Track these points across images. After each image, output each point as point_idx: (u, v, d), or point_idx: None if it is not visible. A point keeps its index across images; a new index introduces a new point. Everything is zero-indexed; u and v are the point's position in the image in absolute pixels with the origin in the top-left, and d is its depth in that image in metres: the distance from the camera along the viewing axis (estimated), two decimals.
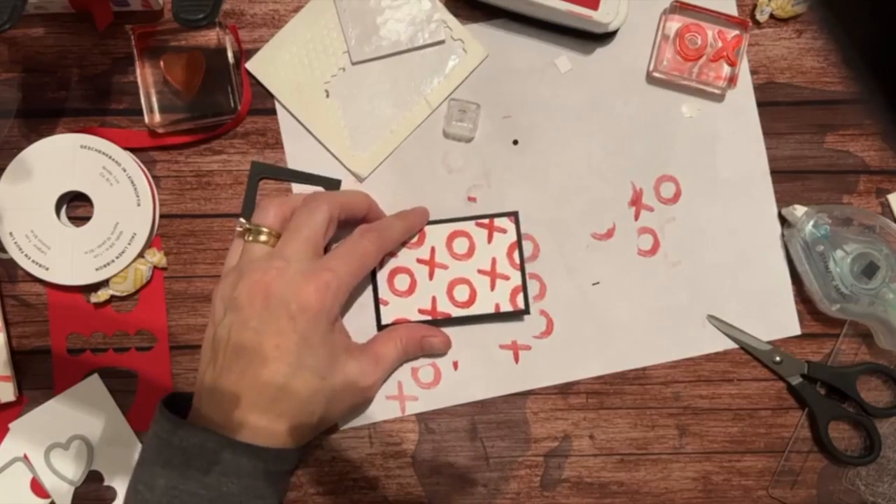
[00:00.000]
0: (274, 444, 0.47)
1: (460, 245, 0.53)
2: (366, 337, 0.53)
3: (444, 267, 0.53)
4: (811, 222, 0.51)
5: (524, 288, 0.53)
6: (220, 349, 0.46)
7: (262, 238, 0.48)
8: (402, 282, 0.53)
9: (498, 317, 0.53)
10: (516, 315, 0.54)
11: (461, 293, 0.53)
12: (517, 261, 0.53)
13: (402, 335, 0.52)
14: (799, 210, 0.52)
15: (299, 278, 0.45)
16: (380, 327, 0.53)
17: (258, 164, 0.54)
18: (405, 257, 0.53)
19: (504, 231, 0.53)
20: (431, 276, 0.53)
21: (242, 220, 0.49)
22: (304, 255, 0.47)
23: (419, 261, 0.53)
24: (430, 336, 0.53)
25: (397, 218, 0.52)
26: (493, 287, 0.53)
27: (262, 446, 0.46)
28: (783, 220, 0.54)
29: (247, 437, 0.46)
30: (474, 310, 0.53)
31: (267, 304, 0.45)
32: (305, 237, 0.47)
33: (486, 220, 0.53)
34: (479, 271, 0.53)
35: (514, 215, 0.53)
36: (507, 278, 0.53)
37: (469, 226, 0.54)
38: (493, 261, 0.53)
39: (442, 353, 0.53)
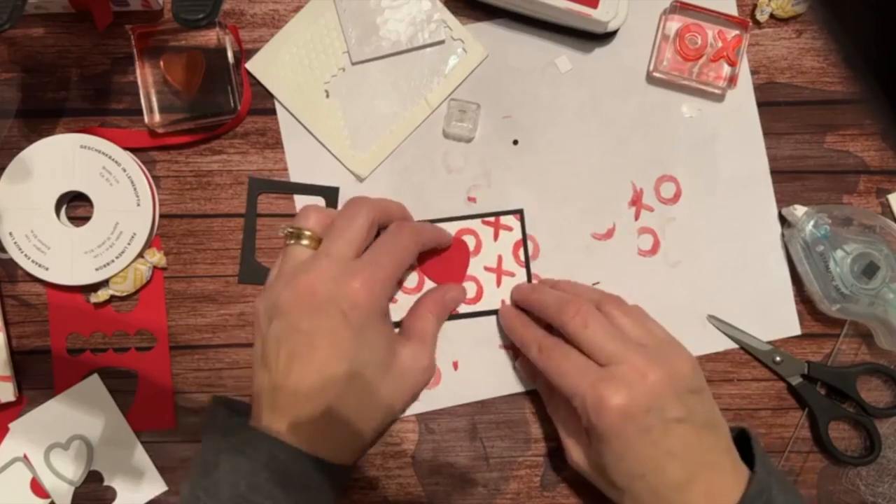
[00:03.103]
0: (341, 450, 0.45)
1: (467, 243, 0.54)
2: None
3: None
4: (811, 222, 0.51)
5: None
6: (272, 358, 0.45)
7: (304, 242, 0.47)
8: (411, 280, 0.54)
9: None
10: None
11: (468, 290, 0.54)
12: (522, 258, 0.54)
13: (429, 305, 0.52)
14: (799, 210, 0.52)
15: (345, 275, 0.44)
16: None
17: (255, 179, 0.54)
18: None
19: (510, 229, 0.54)
20: None
21: (284, 225, 0.48)
22: (348, 254, 0.46)
23: None
24: (447, 293, 0.52)
25: (428, 223, 0.52)
26: (499, 284, 0.54)
27: (330, 462, 0.44)
28: (783, 220, 0.54)
29: (316, 447, 0.44)
30: (481, 306, 0.54)
31: (316, 305, 0.44)
32: (349, 238, 0.46)
33: (492, 219, 0.54)
34: (486, 268, 0.54)
35: (519, 213, 0.54)
36: (512, 275, 0.54)
37: (476, 224, 0.54)
38: (500, 258, 0.54)
39: (463, 300, 0.53)
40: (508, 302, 0.54)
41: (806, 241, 0.51)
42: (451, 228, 0.54)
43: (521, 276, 0.54)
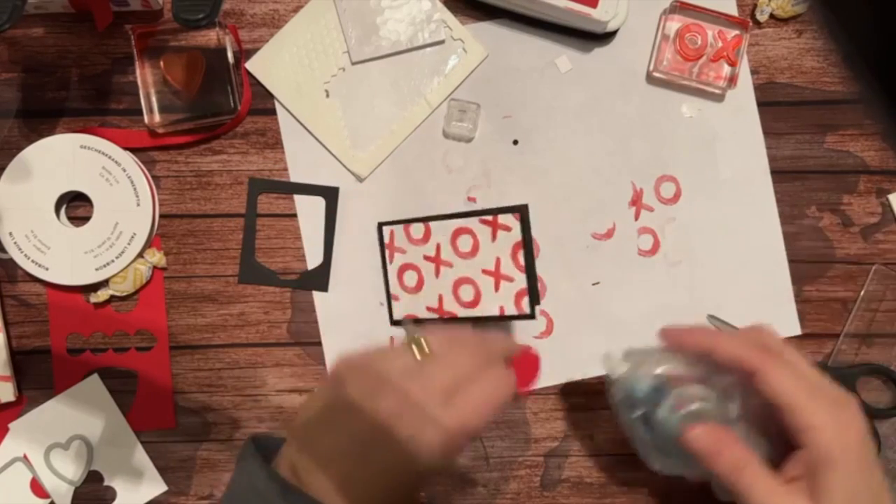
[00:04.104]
0: None
1: (464, 243, 0.52)
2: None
3: (450, 265, 0.52)
4: (639, 379, 0.46)
5: (530, 291, 0.49)
6: (339, 432, 0.42)
7: (416, 353, 0.44)
8: (410, 278, 0.53)
9: (503, 319, 0.51)
10: (522, 319, 0.50)
11: (466, 293, 0.52)
12: (522, 261, 0.50)
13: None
14: (617, 360, 0.47)
15: (429, 422, 0.41)
16: (392, 322, 0.54)
17: (256, 180, 0.54)
18: (413, 254, 0.53)
19: (508, 229, 0.50)
20: (437, 273, 0.53)
21: (410, 327, 0.46)
22: (442, 390, 0.43)
23: (426, 258, 0.53)
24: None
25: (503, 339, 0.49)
26: (497, 288, 0.51)
27: None
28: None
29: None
30: (479, 311, 0.52)
31: (397, 425, 0.41)
32: (452, 374, 0.43)
33: (490, 217, 0.51)
34: (484, 271, 0.51)
35: (519, 211, 0.49)
36: (511, 280, 0.50)
37: (473, 222, 0.51)
38: (498, 261, 0.51)
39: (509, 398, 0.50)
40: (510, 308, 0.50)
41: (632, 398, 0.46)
42: (449, 226, 0.53)
43: (520, 280, 0.50)
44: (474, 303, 0.52)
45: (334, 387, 0.44)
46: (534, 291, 0.50)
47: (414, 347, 0.44)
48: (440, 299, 0.53)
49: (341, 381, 0.44)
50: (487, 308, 0.52)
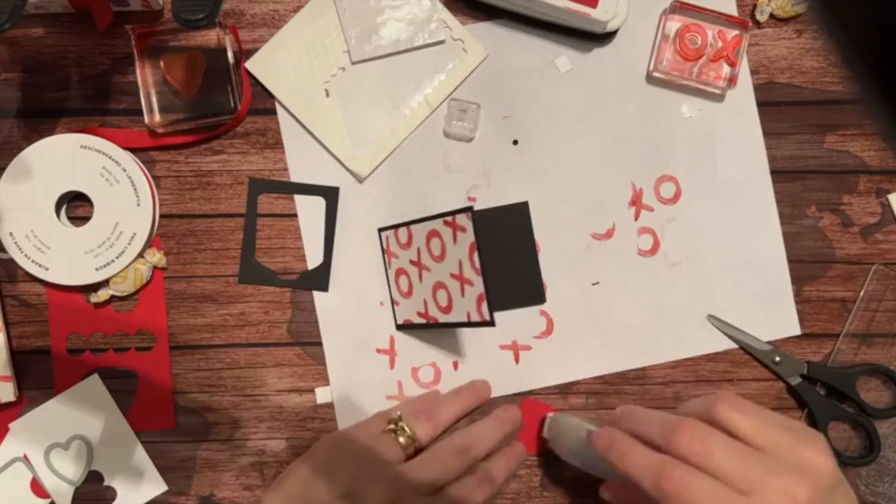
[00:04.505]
0: None
1: (435, 246, 0.50)
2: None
3: (427, 269, 0.51)
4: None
5: (487, 297, 0.46)
6: None
7: (402, 440, 0.47)
8: (403, 283, 0.53)
9: (470, 325, 0.48)
10: (482, 326, 0.47)
11: (442, 297, 0.50)
12: (477, 264, 0.46)
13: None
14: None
15: None
16: (397, 327, 0.54)
17: (256, 180, 0.54)
18: (403, 258, 0.53)
19: (463, 230, 0.47)
20: (420, 278, 0.52)
21: (398, 414, 0.48)
22: (426, 489, 0.45)
23: (411, 262, 0.52)
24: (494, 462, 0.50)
25: (491, 421, 0.51)
26: (462, 293, 0.48)
27: None
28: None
29: None
30: (452, 317, 0.49)
31: None
32: (435, 474, 0.45)
33: (450, 218, 0.48)
34: (451, 275, 0.49)
35: (469, 211, 0.46)
36: (471, 284, 0.47)
37: (439, 224, 0.49)
38: (460, 264, 0.48)
39: (517, 463, 0.52)
40: (476, 314, 0.48)
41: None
42: (425, 230, 0.50)
43: (478, 285, 0.46)
44: (448, 308, 0.50)
45: (315, 468, 0.45)
46: (504, 295, 0.49)
47: (402, 440, 0.47)
48: (425, 304, 0.52)
49: (325, 464, 0.46)
50: (457, 314, 0.49)
